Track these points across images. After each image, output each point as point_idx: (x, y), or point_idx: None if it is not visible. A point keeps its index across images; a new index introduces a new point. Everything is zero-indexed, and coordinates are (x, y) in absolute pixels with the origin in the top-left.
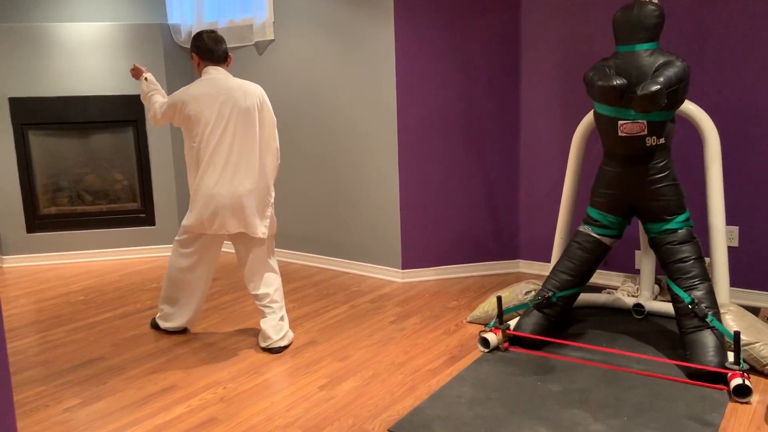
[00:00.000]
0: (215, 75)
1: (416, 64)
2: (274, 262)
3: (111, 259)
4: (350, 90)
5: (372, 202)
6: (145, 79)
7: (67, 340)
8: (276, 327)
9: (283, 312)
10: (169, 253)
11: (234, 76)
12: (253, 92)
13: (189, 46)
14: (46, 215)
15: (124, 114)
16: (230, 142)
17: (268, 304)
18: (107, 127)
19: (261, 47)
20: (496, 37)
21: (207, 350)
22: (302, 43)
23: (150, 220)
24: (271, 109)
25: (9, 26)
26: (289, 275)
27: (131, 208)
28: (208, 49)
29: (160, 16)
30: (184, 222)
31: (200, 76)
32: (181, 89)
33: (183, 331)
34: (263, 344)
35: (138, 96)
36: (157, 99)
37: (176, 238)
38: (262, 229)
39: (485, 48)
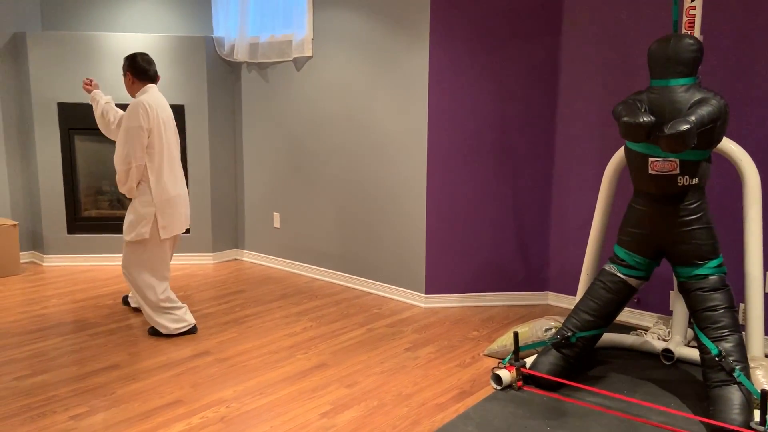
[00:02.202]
0: (155, 91)
1: (450, 88)
2: None
3: None
4: (383, 110)
5: (399, 223)
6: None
7: (87, 344)
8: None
9: None
10: (201, 261)
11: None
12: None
13: (232, 60)
14: (87, 218)
15: None
16: (173, 150)
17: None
18: None
19: (299, 63)
20: (533, 63)
21: (218, 365)
22: (339, 61)
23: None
24: None
25: (61, 34)
26: (313, 292)
27: None
28: (143, 69)
29: (206, 29)
30: (162, 234)
31: (133, 93)
32: (136, 100)
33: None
34: (183, 329)
35: (181, 106)
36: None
37: (142, 245)
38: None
39: (522, 74)
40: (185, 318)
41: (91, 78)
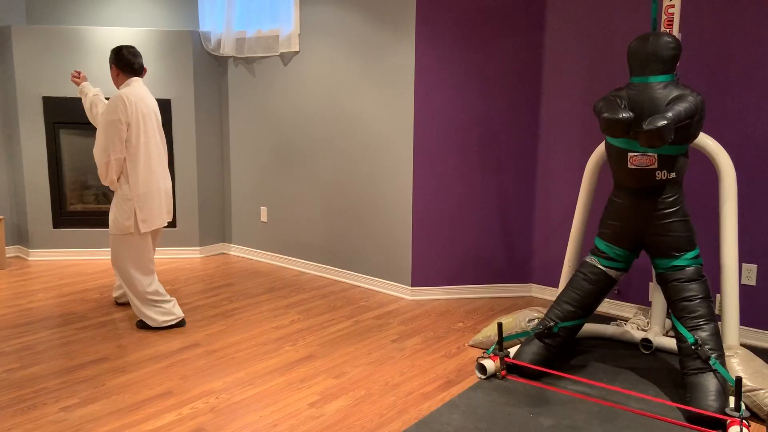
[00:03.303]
0: (139, 84)
1: (435, 83)
2: None
3: None
4: (369, 105)
5: (385, 217)
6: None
7: (75, 338)
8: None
9: None
10: (188, 255)
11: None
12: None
13: (218, 54)
14: (72, 212)
15: None
16: (155, 144)
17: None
18: None
19: (286, 58)
20: (518, 59)
21: (207, 357)
22: (325, 57)
23: (172, 222)
24: None
25: (46, 27)
26: (300, 285)
27: None
28: (129, 62)
29: (192, 23)
30: (141, 228)
31: (118, 86)
32: (117, 93)
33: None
34: (171, 322)
35: (168, 101)
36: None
37: (126, 239)
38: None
39: (506, 70)
40: (173, 311)
41: (79, 70)
